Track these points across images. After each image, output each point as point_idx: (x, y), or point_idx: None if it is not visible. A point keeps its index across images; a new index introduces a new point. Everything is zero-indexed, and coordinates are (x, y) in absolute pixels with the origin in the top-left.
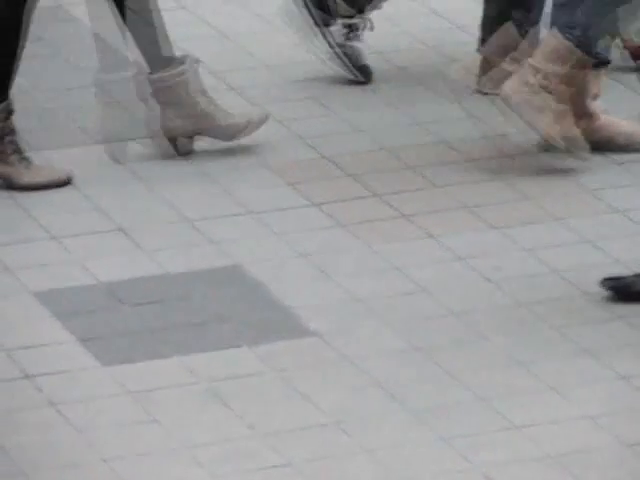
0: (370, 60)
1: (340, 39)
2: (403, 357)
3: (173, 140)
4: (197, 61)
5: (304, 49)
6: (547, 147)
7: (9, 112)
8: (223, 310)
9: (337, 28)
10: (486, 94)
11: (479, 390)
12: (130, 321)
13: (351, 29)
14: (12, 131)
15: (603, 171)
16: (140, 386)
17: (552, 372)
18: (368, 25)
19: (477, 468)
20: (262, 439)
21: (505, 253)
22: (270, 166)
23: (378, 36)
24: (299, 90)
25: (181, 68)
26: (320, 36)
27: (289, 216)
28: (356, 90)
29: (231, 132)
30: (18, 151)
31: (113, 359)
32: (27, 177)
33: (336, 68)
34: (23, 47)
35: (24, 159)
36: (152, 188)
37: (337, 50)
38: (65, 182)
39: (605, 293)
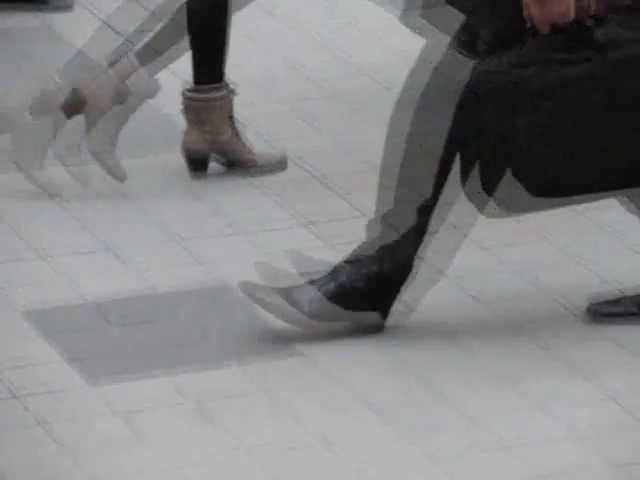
0: (358, 81)
1: None
2: (390, 376)
3: (190, 159)
4: (234, 91)
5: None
6: None
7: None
8: (210, 329)
9: None
10: None
11: (466, 409)
12: (118, 340)
13: None
14: None
15: None
16: (127, 405)
17: (540, 391)
18: None
19: None
20: (250, 458)
21: (492, 272)
22: (258, 185)
23: (366, 56)
24: (288, 109)
25: (219, 94)
26: None
27: (277, 236)
28: (345, 109)
29: (246, 167)
30: None
31: (100, 378)
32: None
33: None
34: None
35: None
36: (140, 206)
37: None
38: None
39: (593, 313)
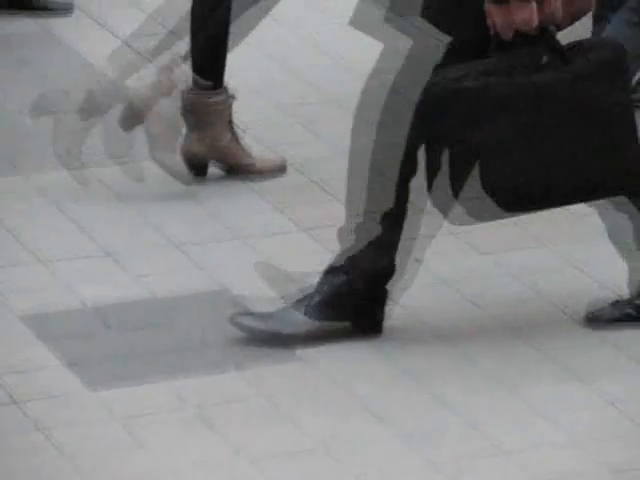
0: (358, 86)
1: None
2: (390, 381)
3: (189, 162)
4: (233, 96)
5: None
6: None
7: None
8: (210, 335)
9: None
10: None
11: (466, 414)
12: (117, 345)
13: None
14: None
15: None
16: (127, 411)
17: (539, 396)
18: None
19: None
20: (249, 464)
21: (492, 277)
22: (258, 190)
23: (366, 61)
24: (287, 114)
25: (219, 98)
26: None
27: (277, 241)
28: (344, 115)
29: (244, 171)
30: None
31: (100, 384)
32: None
33: None
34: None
35: None
36: (139, 212)
37: None
38: None
39: (591, 318)
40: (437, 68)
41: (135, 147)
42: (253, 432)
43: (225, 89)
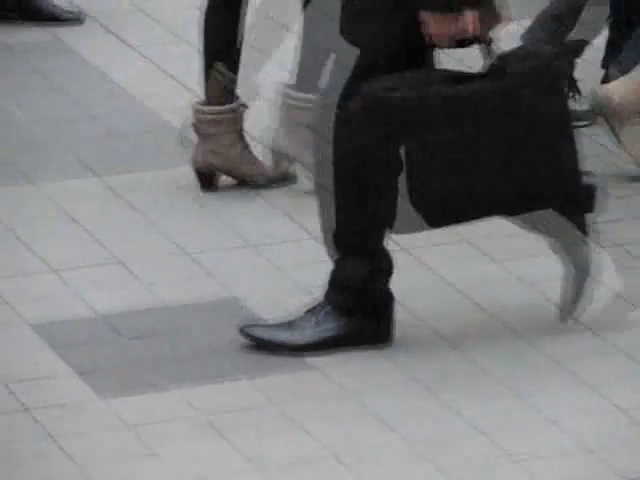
0: None
1: None
2: (400, 389)
3: (200, 173)
4: (244, 105)
5: None
6: None
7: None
8: (221, 343)
9: None
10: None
11: (476, 421)
12: (128, 354)
13: None
14: None
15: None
16: (138, 419)
17: (549, 404)
18: None
19: None
20: (261, 472)
21: (502, 285)
22: (268, 198)
23: None
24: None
25: (230, 106)
26: None
27: (287, 248)
28: None
29: (256, 180)
30: None
31: (111, 392)
32: None
33: None
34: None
35: None
36: (150, 220)
37: None
38: None
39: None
40: (359, 79)
41: (144, 156)
42: (264, 440)
43: (236, 98)
